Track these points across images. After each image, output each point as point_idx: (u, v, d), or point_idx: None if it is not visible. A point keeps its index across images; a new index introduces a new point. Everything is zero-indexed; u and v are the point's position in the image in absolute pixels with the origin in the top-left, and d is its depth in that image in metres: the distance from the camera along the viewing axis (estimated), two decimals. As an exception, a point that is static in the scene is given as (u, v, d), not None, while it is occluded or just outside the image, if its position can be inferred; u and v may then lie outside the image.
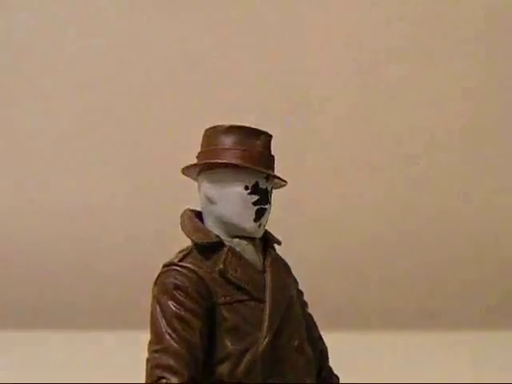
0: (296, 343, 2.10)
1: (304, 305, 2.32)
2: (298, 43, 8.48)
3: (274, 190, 2.23)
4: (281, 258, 2.26)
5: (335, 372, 2.40)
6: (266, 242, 2.21)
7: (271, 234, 2.25)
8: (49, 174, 8.59)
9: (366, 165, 8.49)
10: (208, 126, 2.20)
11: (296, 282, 2.30)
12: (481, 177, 8.50)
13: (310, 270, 7.07)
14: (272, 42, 8.49)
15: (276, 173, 2.17)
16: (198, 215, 2.19)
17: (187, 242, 2.15)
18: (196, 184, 2.23)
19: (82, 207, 8.52)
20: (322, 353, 2.33)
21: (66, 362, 6.52)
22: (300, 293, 2.31)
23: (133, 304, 8.15)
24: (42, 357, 6.78)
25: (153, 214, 8.38)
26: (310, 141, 8.37)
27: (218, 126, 2.15)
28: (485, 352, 7.06)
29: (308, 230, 8.12)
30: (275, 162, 2.18)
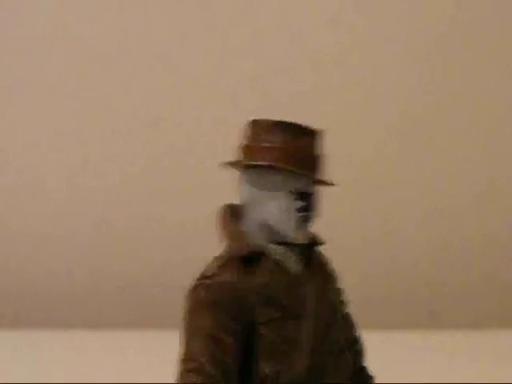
0: (336, 357, 2.00)
1: (344, 305, 2.19)
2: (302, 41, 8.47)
3: None
4: (326, 260, 2.14)
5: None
6: (309, 244, 2.06)
7: (314, 234, 2.08)
8: (63, 171, 8.57)
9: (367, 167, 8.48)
10: (251, 120, 2.03)
11: (337, 281, 2.17)
12: (483, 178, 8.50)
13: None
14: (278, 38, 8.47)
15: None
16: (236, 210, 2.03)
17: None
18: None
19: (96, 204, 8.52)
20: (357, 353, 2.22)
21: (69, 362, 6.52)
22: (340, 292, 2.18)
23: (145, 303, 8.15)
24: (44, 356, 6.78)
25: (173, 212, 8.35)
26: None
27: (264, 120, 1.98)
28: (485, 351, 7.06)
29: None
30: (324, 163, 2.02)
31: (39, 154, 8.53)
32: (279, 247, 1.96)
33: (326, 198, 7.69)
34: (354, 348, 2.20)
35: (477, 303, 8.29)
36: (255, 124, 1.99)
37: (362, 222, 8.41)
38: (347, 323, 2.18)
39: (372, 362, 6.18)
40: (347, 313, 2.21)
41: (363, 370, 2.25)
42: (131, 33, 8.42)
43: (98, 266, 8.35)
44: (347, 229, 8.32)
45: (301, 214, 1.94)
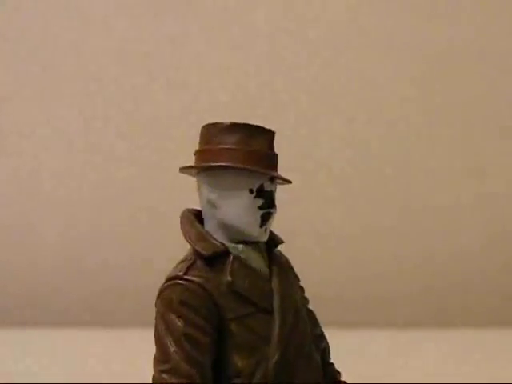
0: (306, 351, 2.04)
1: (306, 302, 2.26)
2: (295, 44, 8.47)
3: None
4: (285, 259, 2.20)
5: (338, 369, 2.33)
6: (269, 243, 2.12)
7: (274, 234, 2.15)
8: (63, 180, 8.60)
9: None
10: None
11: (298, 279, 2.23)
12: (480, 178, 8.51)
13: (309, 268, 7.06)
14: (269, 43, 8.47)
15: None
16: (199, 215, 2.09)
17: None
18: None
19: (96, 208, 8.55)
20: (324, 350, 2.27)
21: (69, 361, 6.51)
22: (301, 290, 2.24)
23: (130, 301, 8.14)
24: (44, 355, 6.78)
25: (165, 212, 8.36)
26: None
27: (218, 123, 2.03)
28: (485, 350, 7.05)
29: (306, 226, 8.13)
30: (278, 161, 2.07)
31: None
32: (242, 246, 2.01)
33: (326, 197, 7.61)
34: (321, 344, 2.25)
35: (479, 301, 8.31)
36: (209, 128, 2.04)
37: (361, 220, 8.42)
38: (311, 320, 2.23)
39: (371, 360, 6.14)
40: (310, 310, 2.26)
41: (331, 366, 2.28)
42: (132, 36, 8.43)
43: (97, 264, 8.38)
44: (348, 227, 8.34)
45: (263, 212, 1.99)
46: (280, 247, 2.19)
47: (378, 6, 8.40)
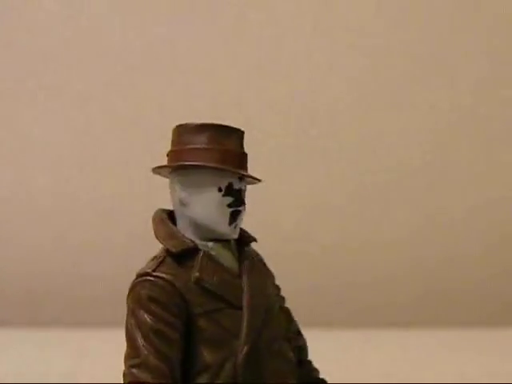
0: (276, 347, 2.06)
1: (281, 300, 2.28)
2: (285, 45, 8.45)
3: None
4: (257, 255, 2.22)
5: (324, 368, 2.38)
6: (241, 241, 2.16)
7: (246, 232, 2.18)
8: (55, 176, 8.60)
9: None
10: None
11: (273, 277, 2.25)
12: (482, 179, 8.52)
13: (309, 268, 7.07)
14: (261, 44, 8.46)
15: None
16: (171, 215, 2.13)
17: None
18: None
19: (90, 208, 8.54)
20: (300, 347, 2.29)
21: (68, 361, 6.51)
22: (277, 288, 2.26)
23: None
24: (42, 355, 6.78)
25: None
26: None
27: (188, 124, 2.08)
28: (485, 350, 7.05)
29: (305, 226, 8.13)
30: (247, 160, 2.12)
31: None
32: (212, 243, 2.06)
33: (322, 197, 7.50)
34: (297, 342, 2.28)
35: (480, 301, 8.33)
36: (180, 129, 2.09)
37: (361, 220, 8.43)
38: (287, 317, 2.27)
39: (372, 360, 6.12)
40: (286, 308, 2.30)
41: (308, 363, 2.31)
42: (121, 37, 8.42)
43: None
44: (347, 226, 8.36)
45: (232, 209, 2.04)
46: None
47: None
